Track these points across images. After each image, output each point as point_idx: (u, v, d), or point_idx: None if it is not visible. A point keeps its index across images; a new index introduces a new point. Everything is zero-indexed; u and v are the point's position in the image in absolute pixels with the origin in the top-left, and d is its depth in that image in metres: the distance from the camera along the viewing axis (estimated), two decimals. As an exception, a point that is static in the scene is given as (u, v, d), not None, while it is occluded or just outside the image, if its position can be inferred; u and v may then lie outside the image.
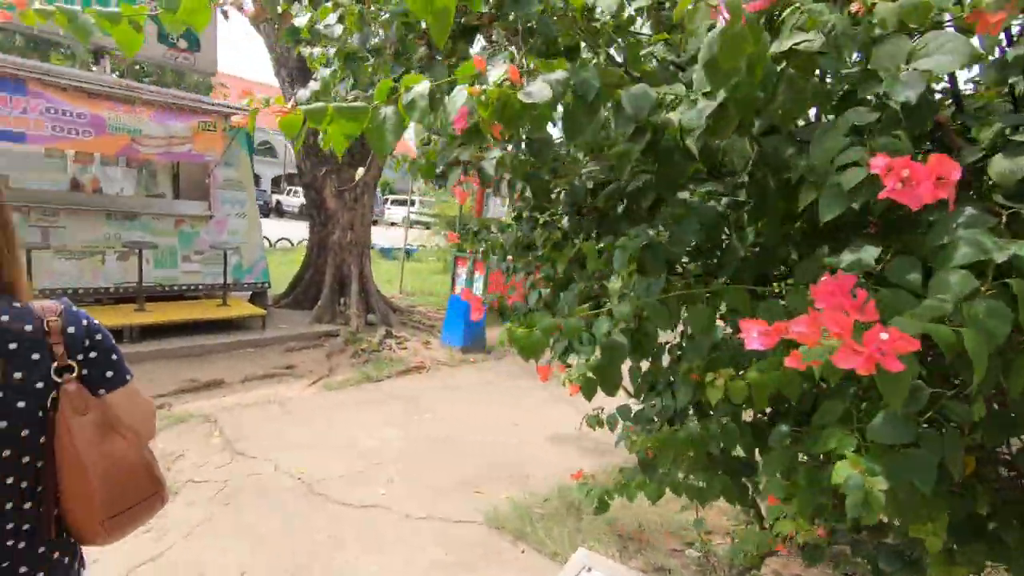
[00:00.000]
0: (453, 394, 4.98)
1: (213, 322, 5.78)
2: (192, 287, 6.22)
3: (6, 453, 0.93)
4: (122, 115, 4.79)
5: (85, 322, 1.03)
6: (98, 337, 1.04)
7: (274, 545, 2.63)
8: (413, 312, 7.95)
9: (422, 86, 0.90)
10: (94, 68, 5.89)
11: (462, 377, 5.53)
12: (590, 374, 1.15)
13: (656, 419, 1.58)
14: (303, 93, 2.31)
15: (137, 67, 19.31)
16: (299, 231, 16.15)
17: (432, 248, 15.47)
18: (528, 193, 1.89)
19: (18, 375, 0.94)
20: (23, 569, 0.97)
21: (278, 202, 26.24)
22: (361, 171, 5.60)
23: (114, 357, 1.06)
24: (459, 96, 0.87)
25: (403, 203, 25.66)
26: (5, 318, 0.95)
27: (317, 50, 2.45)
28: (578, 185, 1.57)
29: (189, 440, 3.58)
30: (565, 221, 1.91)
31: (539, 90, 0.85)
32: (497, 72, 0.87)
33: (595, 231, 1.81)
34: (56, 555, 1.03)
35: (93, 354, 1.03)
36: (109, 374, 1.05)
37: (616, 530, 3.02)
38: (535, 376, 5.38)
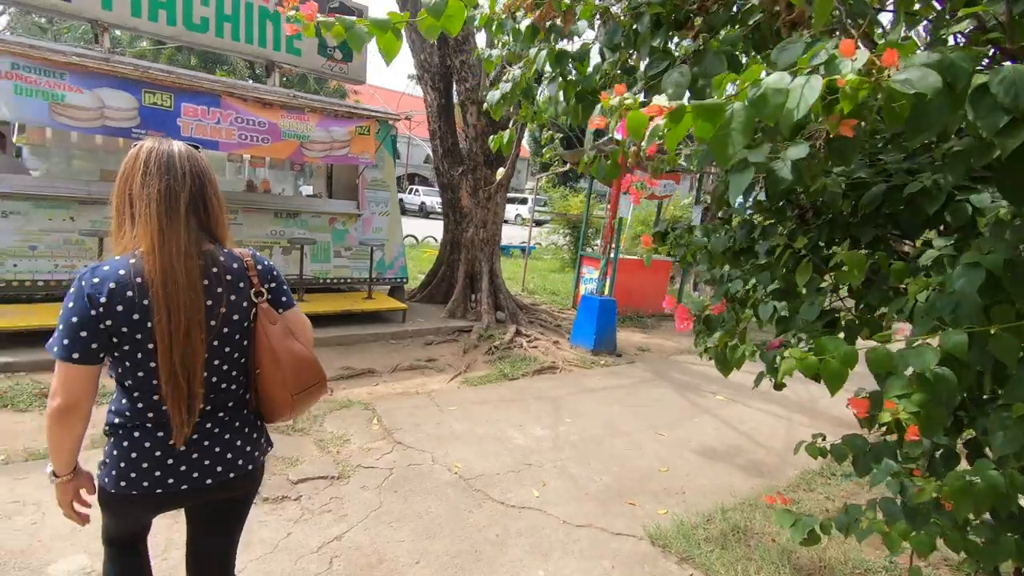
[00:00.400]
0: (591, 397, 4.88)
1: (360, 314, 6.17)
2: (341, 280, 6.71)
3: (226, 350, 1.34)
4: (294, 122, 5.23)
5: (266, 263, 1.45)
6: (275, 273, 1.46)
7: (443, 538, 2.70)
8: (539, 311, 7.97)
9: (777, 77, 0.78)
10: (266, 81, 6.53)
11: (596, 380, 5.42)
12: (906, 410, 0.97)
13: (920, 461, 1.36)
14: (494, 95, 2.31)
15: (283, 78, 21.37)
16: (419, 228, 16.92)
17: (548, 246, 15.52)
18: (728, 194, 1.72)
19: (233, 297, 1.33)
20: (227, 436, 1.38)
21: (400, 200, 27.77)
22: (502, 171, 5.68)
23: (285, 287, 1.47)
24: (811, 87, 0.75)
25: (521, 201, 26.03)
26: (223, 259, 1.34)
27: (496, 51, 2.44)
28: (833, 188, 1.37)
29: (353, 426, 3.82)
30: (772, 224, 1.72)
31: (921, 76, 0.71)
32: (861, 57, 0.73)
33: (824, 237, 1.61)
34: (250, 426, 1.43)
35: (274, 284, 1.44)
36: (284, 299, 1.45)
37: (793, 562, 2.74)
38: (670, 382, 5.20)
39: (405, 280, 7.21)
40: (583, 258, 8.61)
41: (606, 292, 6.58)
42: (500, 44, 2.45)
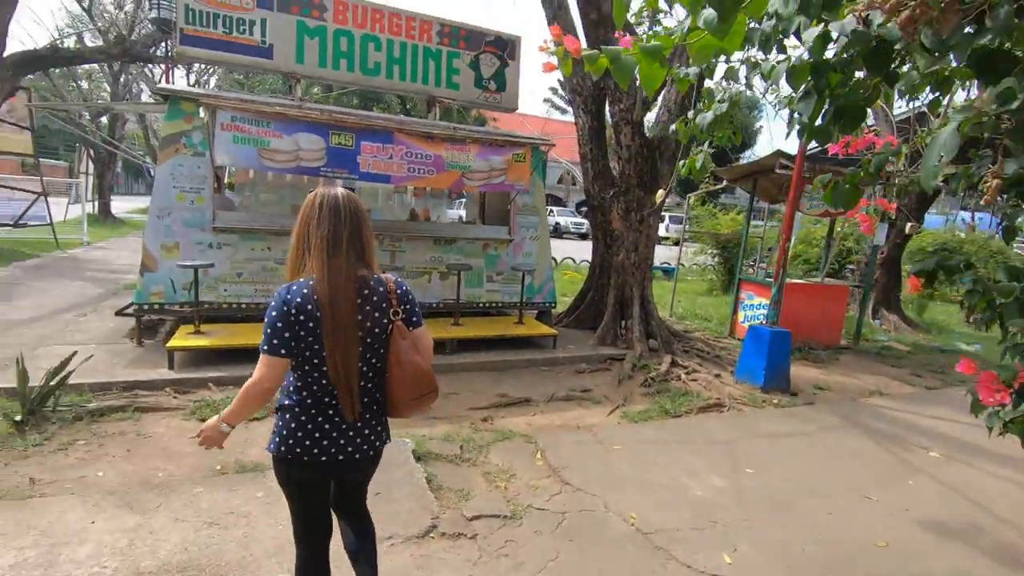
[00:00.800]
0: (771, 444, 4.33)
1: (511, 338, 6.18)
2: (491, 304, 6.81)
3: (368, 355, 1.71)
4: (456, 153, 5.43)
5: (405, 287, 1.81)
6: (410, 297, 1.81)
7: (628, 602, 2.45)
8: (692, 338, 7.43)
9: None
10: (428, 116, 6.93)
11: (773, 423, 4.82)
12: None
13: None
14: (704, 117, 2.09)
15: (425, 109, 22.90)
16: (554, 249, 16.94)
17: (691, 266, 14.65)
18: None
19: (377, 314, 1.70)
20: (359, 424, 1.74)
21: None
22: (662, 192, 5.37)
23: (417, 309, 1.82)
24: None
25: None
26: (372, 283, 1.71)
27: (694, 70, 2.20)
28: None
29: (517, 459, 3.73)
30: None
31: None
32: None
33: None
34: (377, 420, 1.81)
35: (408, 306, 1.79)
36: (415, 319, 1.80)
37: None
38: (865, 431, 4.40)
39: (553, 305, 7.14)
40: (742, 282, 7.90)
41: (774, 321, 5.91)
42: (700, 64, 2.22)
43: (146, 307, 5.32)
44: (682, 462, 3.86)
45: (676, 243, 15.28)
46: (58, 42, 14.25)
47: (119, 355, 5.01)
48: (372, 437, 1.78)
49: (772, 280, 6.30)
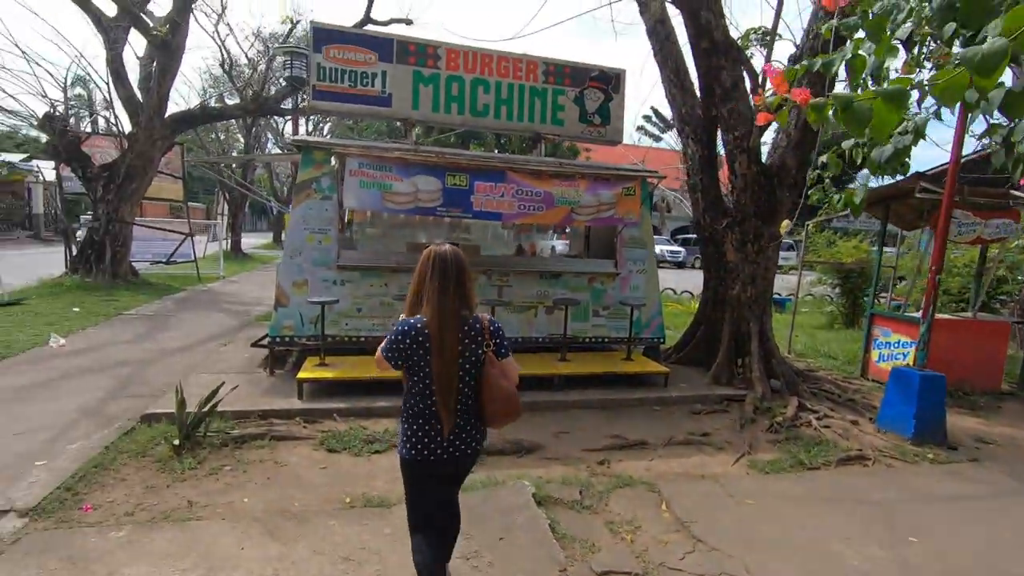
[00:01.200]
0: (933, 508, 3.78)
1: (619, 375, 5.98)
2: (597, 340, 6.66)
3: (466, 378, 2.18)
4: (565, 189, 5.44)
5: (497, 325, 2.28)
6: (501, 333, 2.28)
7: None
8: (817, 378, 6.79)
9: None
10: (532, 152, 7.05)
11: (932, 482, 4.22)
12: None
13: None
14: (882, 151, 1.89)
15: (523, 143, 23.44)
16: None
17: (805, 297, 13.56)
18: None
19: (473, 346, 2.18)
20: (464, 434, 2.22)
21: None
22: (787, 223, 5.02)
23: (505, 343, 2.28)
24: None
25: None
26: (471, 321, 2.19)
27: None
28: None
29: (640, 510, 3.52)
30: None
31: None
32: None
33: None
34: (477, 430, 2.28)
35: (498, 340, 2.25)
36: (503, 351, 2.26)
37: None
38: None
39: (662, 340, 6.86)
40: (875, 317, 7.15)
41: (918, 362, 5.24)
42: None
43: (278, 339, 5.75)
44: (829, 524, 3.45)
45: (786, 272, 14.23)
46: (206, 102, 16.32)
47: (255, 384, 5.42)
48: (469, 440, 2.26)
49: (915, 315, 5.62)
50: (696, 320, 7.25)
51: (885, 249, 8.84)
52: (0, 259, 14.10)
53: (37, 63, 19.18)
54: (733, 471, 4.25)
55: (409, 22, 14.34)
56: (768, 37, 7.01)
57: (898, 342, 6.82)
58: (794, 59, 6.18)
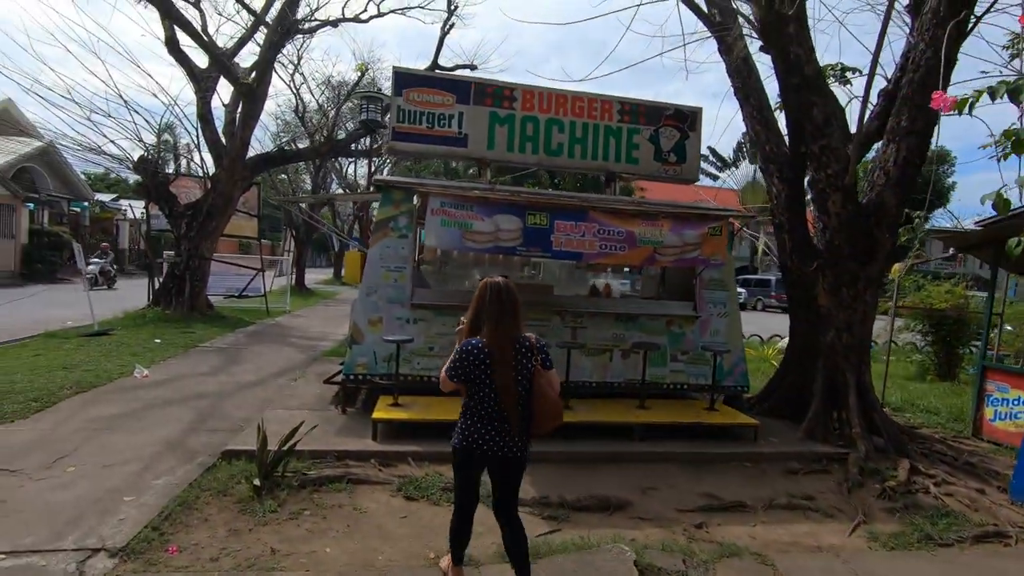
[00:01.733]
0: (1109, 604, 3.20)
1: (704, 426, 5.58)
2: (676, 386, 6.30)
3: (520, 389, 2.60)
4: (648, 228, 5.24)
5: (543, 343, 2.72)
6: (546, 349, 2.72)
7: None
8: (924, 437, 6.14)
9: None
10: (606, 191, 6.92)
11: (1096, 570, 3.61)
12: None
13: None
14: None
15: (584, 176, 23.39)
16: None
17: (892, 345, 12.58)
18: None
19: (524, 361, 2.63)
20: (516, 439, 2.62)
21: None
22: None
23: (550, 358, 2.72)
24: None
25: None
26: (522, 340, 2.65)
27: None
28: None
29: (753, 585, 3.14)
30: None
31: None
32: None
33: None
34: (523, 432, 2.65)
35: (543, 356, 2.68)
36: (547, 364, 2.68)
37: None
38: None
39: (746, 389, 6.42)
40: (988, 370, 6.46)
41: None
42: None
43: (351, 377, 5.71)
44: (984, 618, 2.96)
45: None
46: (283, 144, 17.25)
47: (329, 422, 5.36)
48: (519, 441, 2.61)
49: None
50: (782, 368, 6.77)
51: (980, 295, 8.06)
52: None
53: (136, 111, 20.94)
54: (851, 544, 3.78)
55: (474, 67, 14.82)
56: (848, 73, 6.71)
57: (1018, 399, 6.11)
58: (886, 94, 5.86)
